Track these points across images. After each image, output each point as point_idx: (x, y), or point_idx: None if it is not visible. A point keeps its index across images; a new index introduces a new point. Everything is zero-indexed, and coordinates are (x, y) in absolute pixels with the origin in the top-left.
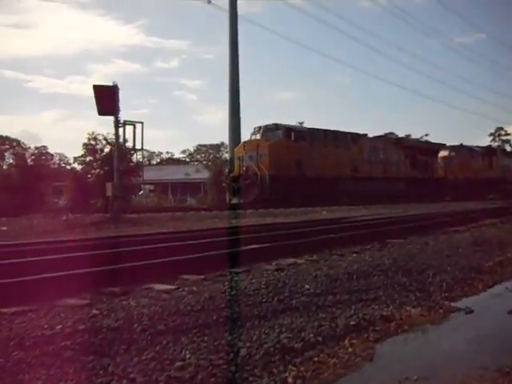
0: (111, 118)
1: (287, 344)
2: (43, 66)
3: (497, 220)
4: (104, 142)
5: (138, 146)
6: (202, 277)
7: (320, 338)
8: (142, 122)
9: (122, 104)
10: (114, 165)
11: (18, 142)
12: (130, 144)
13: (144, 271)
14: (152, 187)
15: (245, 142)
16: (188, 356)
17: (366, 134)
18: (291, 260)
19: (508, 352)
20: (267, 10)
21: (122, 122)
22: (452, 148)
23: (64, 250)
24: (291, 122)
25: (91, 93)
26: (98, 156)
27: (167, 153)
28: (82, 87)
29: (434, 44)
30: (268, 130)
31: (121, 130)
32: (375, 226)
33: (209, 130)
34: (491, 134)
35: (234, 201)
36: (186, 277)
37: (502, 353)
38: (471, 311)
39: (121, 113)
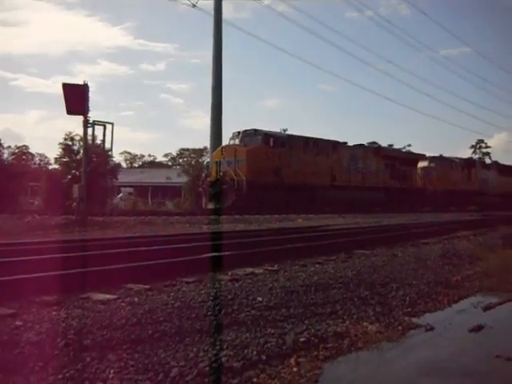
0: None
1: (226, 363)
2: (28, 65)
3: (470, 232)
4: (81, 142)
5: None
6: (148, 286)
7: (264, 356)
8: (112, 123)
9: (107, 106)
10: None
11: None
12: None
13: (86, 279)
14: (131, 190)
15: (223, 147)
16: (111, 376)
17: (345, 143)
18: (250, 270)
19: (463, 375)
20: (255, 16)
21: (91, 122)
22: (432, 159)
23: (2, 254)
24: (275, 129)
25: None
26: (74, 157)
27: (149, 156)
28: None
29: (420, 56)
30: (247, 136)
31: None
32: (345, 236)
33: (194, 134)
34: (472, 146)
35: (211, 206)
36: (130, 286)
37: (457, 376)
38: (432, 328)
39: (100, 114)
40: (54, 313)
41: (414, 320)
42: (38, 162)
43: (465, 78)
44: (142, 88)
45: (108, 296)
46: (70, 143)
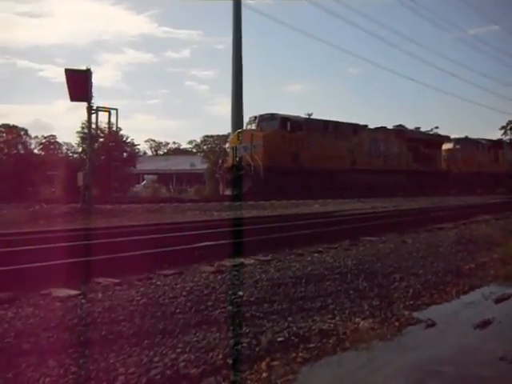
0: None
1: (183, 369)
2: (55, 56)
3: (491, 216)
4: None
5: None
6: (118, 281)
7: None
8: (116, 109)
9: (133, 94)
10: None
11: (26, 131)
12: (124, 133)
13: (50, 273)
14: (155, 177)
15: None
16: None
17: (366, 125)
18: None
19: (460, 382)
20: (279, 1)
21: (94, 108)
22: (456, 140)
23: None
24: (301, 114)
25: (103, 82)
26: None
27: (174, 143)
28: (94, 76)
29: (447, 36)
30: (263, 120)
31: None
32: (356, 222)
33: (219, 120)
34: (502, 128)
35: (228, 192)
36: (99, 280)
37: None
38: (433, 324)
39: (126, 102)
40: (1, 312)
41: (415, 314)
42: (65, 151)
43: (494, 58)
44: (168, 76)
45: (71, 292)
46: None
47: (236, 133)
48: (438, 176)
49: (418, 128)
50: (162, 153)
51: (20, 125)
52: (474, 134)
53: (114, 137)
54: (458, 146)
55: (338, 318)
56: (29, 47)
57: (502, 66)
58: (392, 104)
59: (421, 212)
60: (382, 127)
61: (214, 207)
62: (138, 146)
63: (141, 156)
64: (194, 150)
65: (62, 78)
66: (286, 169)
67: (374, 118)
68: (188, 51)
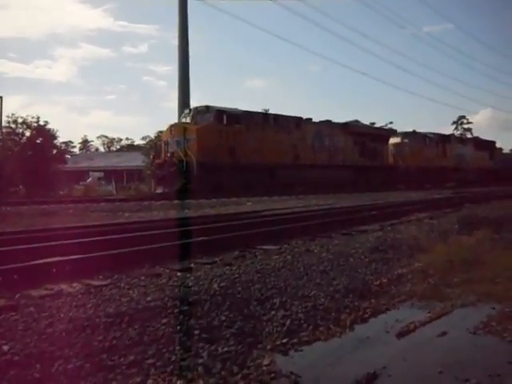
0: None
1: None
2: (8, 50)
3: (427, 214)
4: (25, 125)
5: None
6: None
7: None
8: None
9: (90, 90)
10: None
11: None
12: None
13: None
14: (101, 174)
15: (172, 125)
16: None
17: (310, 119)
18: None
19: None
20: None
21: None
22: (404, 134)
23: None
24: (259, 109)
25: (58, 78)
26: (19, 140)
27: (127, 139)
28: (48, 72)
29: (403, 32)
30: (198, 113)
31: None
32: (267, 224)
33: (176, 116)
34: (454, 123)
35: (159, 190)
36: None
37: None
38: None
39: (82, 98)
40: None
41: (280, 362)
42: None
43: (448, 55)
44: (125, 71)
45: None
46: (13, 126)
47: (168, 126)
48: (385, 171)
49: (373, 123)
50: (115, 149)
51: None
52: (427, 130)
53: (41, 132)
54: (405, 140)
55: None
56: None
57: (456, 63)
58: (348, 100)
59: (351, 211)
60: (326, 120)
61: (130, 208)
62: (71, 143)
63: (91, 152)
64: (148, 147)
65: (16, 73)
66: (222, 164)
67: (330, 113)
68: (146, 46)
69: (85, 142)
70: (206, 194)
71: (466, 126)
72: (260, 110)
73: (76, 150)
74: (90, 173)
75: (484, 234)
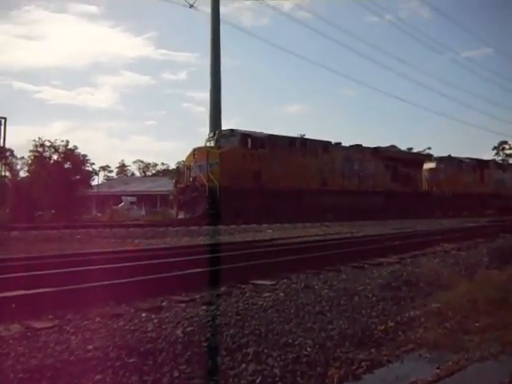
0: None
1: None
2: (51, 78)
3: (455, 245)
4: (52, 149)
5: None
6: None
7: None
8: (4, 118)
9: (130, 116)
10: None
11: (12, 151)
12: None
13: None
14: (134, 199)
15: (195, 149)
16: None
17: (339, 143)
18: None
19: None
20: (274, 23)
21: None
22: (439, 159)
23: None
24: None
25: (100, 104)
26: (47, 164)
27: (162, 164)
28: (90, 98)
29: (441, 58)
30: (222, 136)
31: None
32: (276, 255)
33: None
34: (495, 148)
35: (181, 216)
36: None
37: None
38: None
39: (123, 124)
40: None
41: None
42: None
43: (487, 79)
44: (164, 97)
45: None
46: (40, 150)
47: (192, 150)
48: (418, 197)
49: (411, 149)
50: (150, 174)
51: (13, 146)
52: (466, 155)
53: (71, 157)
54: (440, 165)
55: None
56: (25, 69)
57: (496, 87)
58: (386, 125)
59: (371, 241)
60: (356, 145)
61: (145, 234)
62: (108, 167)
63: (127, 177)
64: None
65: (59, 100)
66: (247, 189)
67: (367, 139)
68: (185, 73)
69: (122, 167)
70: (229, 219)
71: (508, 152)
72: (296, 135)
73: (113, 175)
74: (123, 197)
75: None
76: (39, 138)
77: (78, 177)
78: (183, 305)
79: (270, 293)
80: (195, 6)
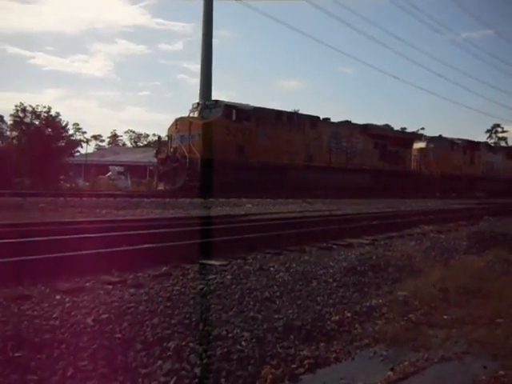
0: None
1: None
2: (46, 43)
3: (435, 227)
4: (33, 115)
5: None
6: None
7: None
8: None
9: (125, 85)
10: None
11: (2, 117)
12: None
13: None
14: (121, 169)
15: (177, 120)
16: None
17: (328, 118)
18: None
19: None
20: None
21: None
22: (429, 139)
23: None
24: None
25: (94, 72)
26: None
27: (154, 135)
28: (84, 66)
29: (439, 38)
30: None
31: None
32: (241, 232)
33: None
34: (488, 131)
35: (160, 187)
36: None
37: None
38: None
39: (117, 93)
40: None
41: None
42: None
43: (486, 61)
44: (160, 68)
45: None
46: (21, 115)
47: (174, 121)
48: (406, 177)
49: (404, 129)
50: (141, 144)
51: (4, 113)
52: (460, 136)
53: (52, 124)
54: (430, 145)
55: None
56: (19, 34)
57: (493, 69)
58: (381, 104)
59: (348, 220)
60: (345, 121)
61: (117, 204)
62: (100, 137)
63: (119, 147)
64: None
65: (53, 67)
66: (229, 163)
67: (362, 116)
68: (181, 43)
69: (114, 137)
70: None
71: (500, 135)
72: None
73: (105, 144)
74: (110, 167)
75: (497, 254)
76: (20, 103)
77: (61, 143)
78: (109, 286)
79: (216, 275)
80: None
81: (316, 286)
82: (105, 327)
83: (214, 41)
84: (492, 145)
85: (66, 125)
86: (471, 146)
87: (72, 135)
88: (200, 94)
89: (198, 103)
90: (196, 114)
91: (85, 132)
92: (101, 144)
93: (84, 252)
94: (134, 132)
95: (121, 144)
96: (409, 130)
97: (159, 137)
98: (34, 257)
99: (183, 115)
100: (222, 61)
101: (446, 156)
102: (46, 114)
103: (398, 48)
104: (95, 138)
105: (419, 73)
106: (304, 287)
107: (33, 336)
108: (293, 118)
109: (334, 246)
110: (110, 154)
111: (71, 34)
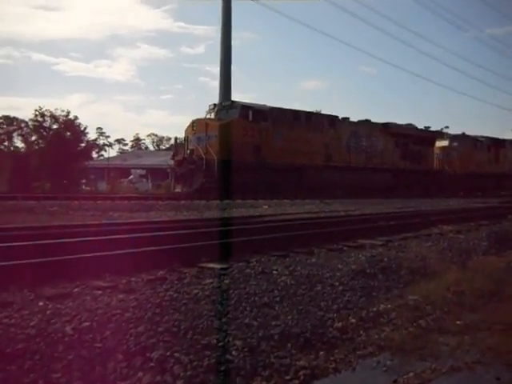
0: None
1: None
2: (70, 50)
3: (453, 227)
4: (52, 119)
5: None
6: None
7: None
8: None
9: (147, 89)
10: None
11: (27, 123)
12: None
13: None
14: (143, 172)
15: (194, 121)
16: None
17: (347, 118)
18: None
19: None
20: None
21: None
22: (452, 137)
23: None
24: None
25: (117, 77)
26: (46, 134)
27: (176, 138)
28: (107, 71)
29: (462, 35)
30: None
31: None
32: (254, 233)
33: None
34: None
35: (177, 189)
36: None
37: None
38: None
39: (140, 98)
40: None
41: None
42: None
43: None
44: (182, 71)
45: None
46: (40, 120)
47: (191, 122)
48: (428, 176)
49: (428, 127)
50: (164, 148)
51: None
52: (485, 135)
53: (70, 127)
54: (453, 144)
55: None
56: (44, 41)
57: None
58: (404, 104)
59: (364, 220)
60: (365, 120)
61: (131, 207)
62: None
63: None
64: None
65: (77, 72)
66: (246, 164)
67: (385, 117)
68: (202, 47)
69: (136, 140)
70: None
71: None
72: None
73: (128, 148)
74: (132, 170)
75: None
76: (40, 108)
77: (82, 146)
78: (98, 292)
79: (214, 279)
80: None
81: (320, 291)
82: (85, 336)
83: (235, 42)
84: None
85: (85, 128)
86: (496, 143)
87: (96, 140)
88: (220, 95)
89: (215, 104)
90: (213, 116)
91: (108, 136)
92: (124, 148)
93: (83, 256)
94: (156, 135)
95: (143, 147)
96: (433, 129)
97: (176, 138)
98: (32, 260)
99: (200, 117)
100: (244, 63)
101: (469, 154)
102: (64, 118)
103: (421, 46)
104: (118, 141)
105: (444, 71)
106: (307, 291)
107: (4, 346)
108: (311, 117)
109: (345, 248)
110: (133, 158)
111: (94, 39)
